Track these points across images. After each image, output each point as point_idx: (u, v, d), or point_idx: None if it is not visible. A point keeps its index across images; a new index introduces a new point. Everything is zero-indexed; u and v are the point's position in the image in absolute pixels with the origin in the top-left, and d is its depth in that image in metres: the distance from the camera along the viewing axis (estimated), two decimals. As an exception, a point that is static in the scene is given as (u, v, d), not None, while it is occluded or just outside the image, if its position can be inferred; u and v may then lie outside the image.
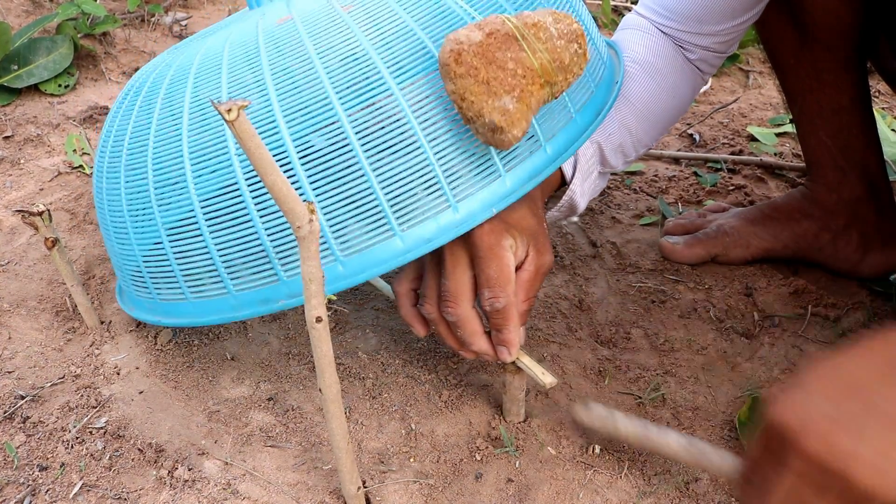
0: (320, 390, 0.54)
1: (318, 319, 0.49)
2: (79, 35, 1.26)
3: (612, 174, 1.18)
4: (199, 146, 0.57)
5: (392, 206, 0.55)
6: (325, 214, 0.55)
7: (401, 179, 0.55)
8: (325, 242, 0.56)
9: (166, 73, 0.63)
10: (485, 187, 0.57)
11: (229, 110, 0.39)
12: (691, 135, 1.25)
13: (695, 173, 1.14)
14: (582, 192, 0.76)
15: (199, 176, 0.57)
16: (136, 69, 1.29)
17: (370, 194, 0.55)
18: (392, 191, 0.55)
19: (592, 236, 0.98)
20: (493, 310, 0.61)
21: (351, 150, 0.55)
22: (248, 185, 0.56)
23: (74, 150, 1.06)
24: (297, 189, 0.55)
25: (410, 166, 0.55)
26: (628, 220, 1.02)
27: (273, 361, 0.76)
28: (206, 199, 0.57)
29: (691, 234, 0.93)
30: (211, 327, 0.80)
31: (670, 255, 0.92)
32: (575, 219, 0.84)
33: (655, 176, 1.14)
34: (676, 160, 1.18)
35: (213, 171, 0.57)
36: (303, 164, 0.55)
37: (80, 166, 1.03)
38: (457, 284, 0.61)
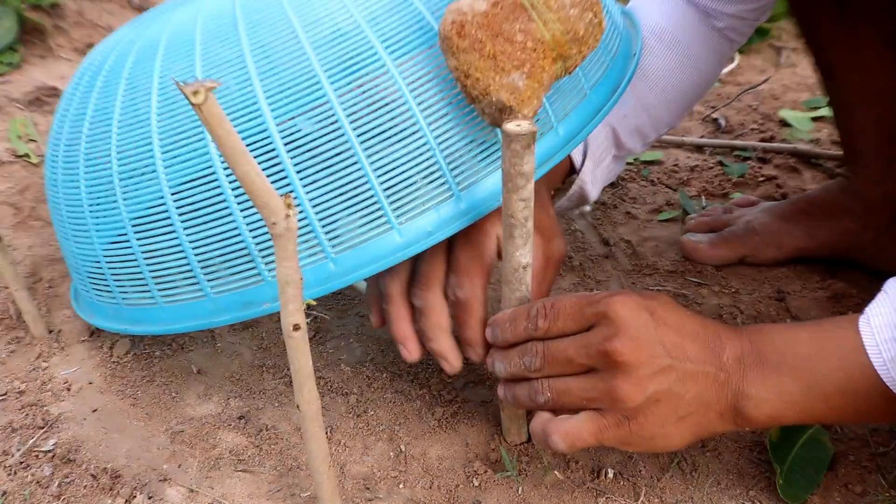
0: (298, 407, 0.54)
1: (296, 327, 0.49)
2: (24, 7, 1.25)
3: (629, 160, 1.18)
4: (170, 130, 0.57)
5: (388, 197, 0.56)
6: (313, 207, 0.55)
7: (398, 167, 0.55)
8: (314, 238, 0.56)
9: (131, 50, 0.63)
10: (492, 174, 0.57)
11: (196, 92, 0.39)
12: (716, 119, 1.25)
13: (720, 163, 1.14)
14: (594, 179, 0.76)
15: (171, 163, 0.57)
16: (91, 45, 1.28)
17: (364, 183, 0.55)
18: (388, 179, 0.55)
19: (605, 234, 0.98)
20: (454, 299, 0.61)
21: (342, 135, 0.55)
22: (227, 174, 0.56)
23: (19, 137, 1.05)
24: (282, 178, 0.55)
25: (408, 152, 0.55)
26: (645, 216, 1.02)
27: (245, 375, 0.75)
28: (179, 189, 0.57)
29: (716, 231, 0.93)
30: (174, 337, 0.80)
31: (692, 256, 0.92)
32: (587, 208, 0.85)
33: (675, 166, 1.14)
34: (699, 148, 1.18)
35: (187, 158, 0.57)
36: (288, 151, 0.55)
37: (26, 154, 1.03)
38: (431, 268, 0.62)
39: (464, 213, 0.57)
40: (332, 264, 0.56)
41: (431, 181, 0.56)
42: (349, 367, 0.76)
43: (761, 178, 1.09)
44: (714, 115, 1.26)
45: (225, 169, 0.56)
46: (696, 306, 0.86)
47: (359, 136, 0.55)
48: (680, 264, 0.92)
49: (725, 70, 1.43)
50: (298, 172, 0.55)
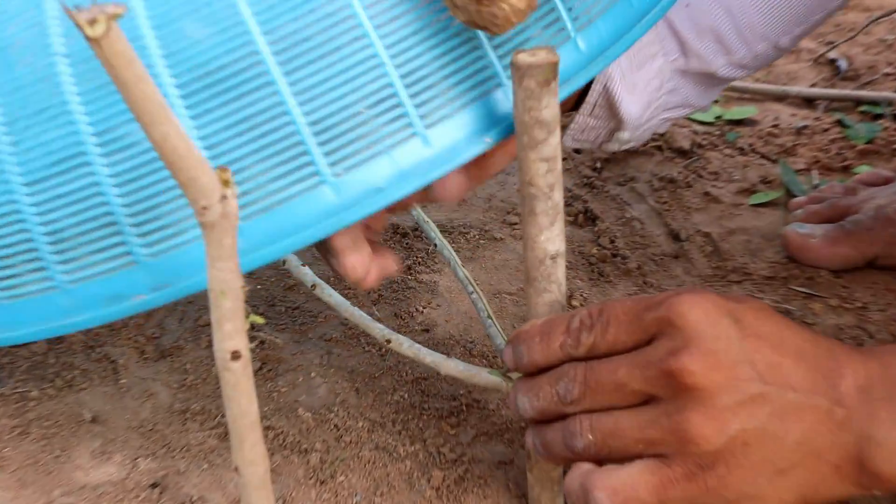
0: (236, 470, 0.54)
1: (235, 356, 0.49)
2: None
3: (706, 120, 1.18)
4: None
5: (318, 136, 0.54)
6: (207, 150, 0.54)
7: (332, 91, 0.54)
8: None
9: None
10: (473, 103, 0.56)
11: (94, 21, 0.39)
12: (834, 60, 1.25)
13: (839, 122, 1.14)
14: (630, 84, 0.74)
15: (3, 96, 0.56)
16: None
17: (281, 116, 0.54)
18: (318, 110, 0.54)
19: (674, 224, 0.98)
20: None
21: (249, 44, 0.54)
22: (80, 101, 0.55)
23: None
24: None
25: (346, 69, 0.54)
26: (731, 199, 1.02)
27: (160, 424, 0.76)
28: (10, 129, 0.56)
29: (834, 221, 0.94)
30: (57, 369, 0.80)
31: (800, 255, 0.92)
32: (625, 135, 0.81)
33: (775, 126, 1.14)
34: (810, 101, 1.19)
35: (25, 83, 0.56)
36: (168, 67, 0.54)
37: None
38: None
39: (432, 163, 0.55)
40: (238, 237, 0.55)
41: (382, 113, 0.54)
42: (310, 413, 0.76)
43: (898, 145, 1.10)
44: (831, 55, 1.26)
45: (83, 103, 0.55)
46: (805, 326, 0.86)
47: (273, 44, 0.54)
48: (782, 268, 0.92)
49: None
50: (183, 98, 0.54)
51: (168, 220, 0.55)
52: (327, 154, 0.54)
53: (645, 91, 0.76)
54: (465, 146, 0.56)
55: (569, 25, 0.59)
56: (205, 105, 0.53)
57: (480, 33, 0.56)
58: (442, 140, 0.55)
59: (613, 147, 0.82)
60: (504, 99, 0.56)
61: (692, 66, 0.78)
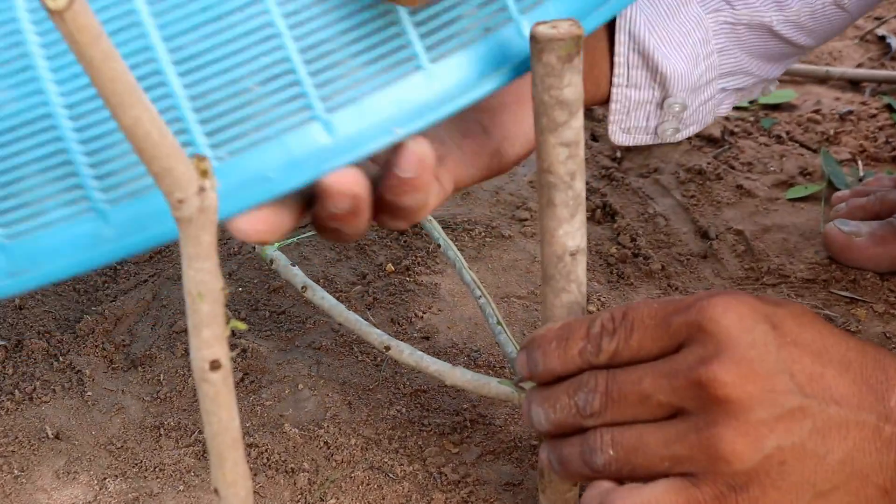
0: (216, 492, 0.54)
1: (214, 366, 0.50)
2: None
3: (744, 105, 1.18)
4: None
5: (200, 114, 0.52)
6: (72, 121, 0.51)
7: (218, 62, 0.52)
8: (72, 177, 0.52)
9: None
10: (385, 87, 0.54)
11: (55, -8, 0.39)
12: (883, 37, 1.25)
13: (888, 107, 1.14)
14: (664, 34, 0.71)
15: None
16: None
17: (157, 88, 0.52)
18: (200, 83, 0.52)
19: (702, 220, 0.98)
20: None
21: (124, 2, 0.53)
22: None
23: None
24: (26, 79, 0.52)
25: (237, 37, 0.52)
26: (766, 192, 1.02)
27: (130, 441, 0.76)
28: None
29: (882, 218, 0.94)
30: (16, 380, 0.80)
31: (843, 255, 0.92)
32: (677, 101, 0.75)
33: (816, 111, 1.14)
34: (855, 83, 1.18)
35: None
36: (34, 24, 0.53)
37: None
38: None
39: (332, 152, 0.53)
40: (103, 222, 0.54)
41: (276, 91, 0.53)
42: (297, 430, 0.77)
43: (953, 133, 1.10)
44: (879, 31, 1.26)
45: None
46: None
47: (151, 3, 0.51)
48: (822, 269, 0.92)
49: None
50: (48, 61, 0.52)
51: (27, 198, 0.53)
52: (209, 135, 0.53)
53: (686, 42, 0.74)
54: (370, 136, 0.54)
55: (510, 4, 0.57)
56: (68, 70, 0.52)
57: (400, 7, 0.54)
58: (345, 127, 0.54)
59: (671, 129, 0.77)
60: (423, 86, 0.54)
61: (741, 16, 0.76)
